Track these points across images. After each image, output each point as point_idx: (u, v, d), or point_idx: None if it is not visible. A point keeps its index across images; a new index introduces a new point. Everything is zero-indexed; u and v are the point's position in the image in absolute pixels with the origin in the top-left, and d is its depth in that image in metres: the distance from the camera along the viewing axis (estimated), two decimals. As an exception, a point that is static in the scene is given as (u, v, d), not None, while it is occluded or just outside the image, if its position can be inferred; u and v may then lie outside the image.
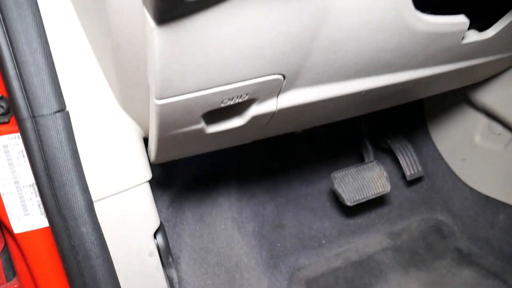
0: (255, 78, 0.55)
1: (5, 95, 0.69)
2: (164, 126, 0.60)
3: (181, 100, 0.53)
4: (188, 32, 0.44)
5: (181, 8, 0.40)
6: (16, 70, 0.59)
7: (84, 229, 0.67)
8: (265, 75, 0.56)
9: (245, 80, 0.55)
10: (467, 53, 0.76)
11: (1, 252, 0.93)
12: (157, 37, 0.42)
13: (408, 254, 1.21)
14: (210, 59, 0.48)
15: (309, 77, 0.62)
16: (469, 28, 0.70)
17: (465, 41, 0.70)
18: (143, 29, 0.46)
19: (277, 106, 0.65)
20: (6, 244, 0.94)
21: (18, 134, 0.72)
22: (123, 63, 0.54)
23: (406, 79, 0.75)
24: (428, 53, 0.69)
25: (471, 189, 1.22)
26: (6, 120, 0.70)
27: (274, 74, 0.57)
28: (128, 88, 0.60)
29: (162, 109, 0.54)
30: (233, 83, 0.54)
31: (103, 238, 0.69)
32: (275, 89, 0.61)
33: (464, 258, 1.19)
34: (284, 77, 0.59)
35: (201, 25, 0.44)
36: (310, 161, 1.34)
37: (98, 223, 0.68)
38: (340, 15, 0.52)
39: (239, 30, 0.47)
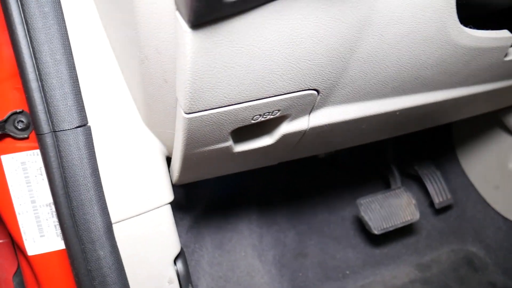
0: (289, 93, 0.52)
1: (25, 109, 0.67)
2: (191, 143, 0.56)
3: (210, 115, 0.50)
4: (223, 38, 0.41)
5: (218, 10, 0.37)
6: (38, 82, 0.57)
7: (102, 253, 0.63)
8: (300, 90, 0.52)
9: (278, 95, 0.51)
10: (508, 72, 0.72)
11: (13, 275, 0.89)
12: (190, 43, 0.39)
13: (439, 287, 1.14)
14: (244, 70, 0.45)
15: (344, 93, 0.59)
16: (512, 45, 0.66)
17: (508, 58, 0.66)
18: (175, 36, 0.43)
19: (308, 124, 0.61)
20: (19, 267, 0.90)
21: (36, 151, 0.69)
22: (150, 76, 0.52)
23: (444, 99, 0.71)
24: (469, 70, 0.65)
25: (504, 218, 1.16)
26: (26, 135, 0.68)
27: (308, 89, 0.53)
28: (154, 102, 0.57)
29: (189, 124, 0.51)
30: (266, 98, 0.50)
31: (121, 263, 0.65)
32: (308, 106, 0.58)
33: (499, 293, 1.11)
34: (318, 92, 0.55)
35: (237, 30, 0.41)
36: (333, 186, 1.29)
37: (117, 247, 0.64)
38: (383, 25, 0.49)
39: (277, 38, 0.43)
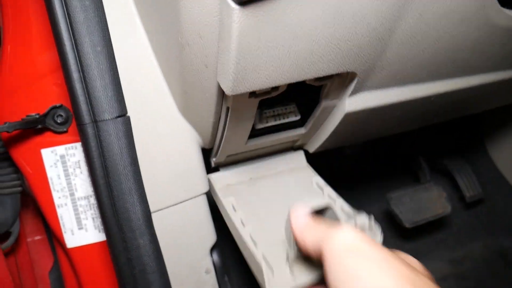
0: (328, 73, 0.52)
1: (64, 103, 0.69)
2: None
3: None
4: (268, 16, 0.41)
5: (267, -14, 0.37)
6: (80, 73, 0.58)
7: (142, 241, 0.64)
8: (339, 71, 0.52)
9: (317, 76, 0.52)
10: (545, 55, 0.71)
11: (49, 272, 0.91)
12: (237, 20, 0.40)
13: (473, 282, 1.12)
14: (286, 50, 0.45)
15: (380, 77, 0.59)
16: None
17: (546, 40, 0.65)
18: (218, 18, 0.44)
19: (346, 108, 0.61)
20: (54, 263, 0.91)
21: (75, 145, 0.71)
22: (191, 62, 0.52)
23: (479, 83, 0.70)
24: (507, 53, 0.64)
25: (538, 211, 1.13)
26: (65, 129, 0.69)
27: (348, 70, 0.53)
28: (192, 90, 0.57)
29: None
30: (306, 78, 0.51)
31: (160, 252, 0.65)
32: (346, 89, 0.58)
33: (535, 287, 1.08)
34: (356, 75, 0.56)
35: (283, 9, 0.41)
36: (361, 182, 1.28)
37: (156, 236, 0.65)
38: (423, 3, 0.49)
39: (320, 17, 0.44)
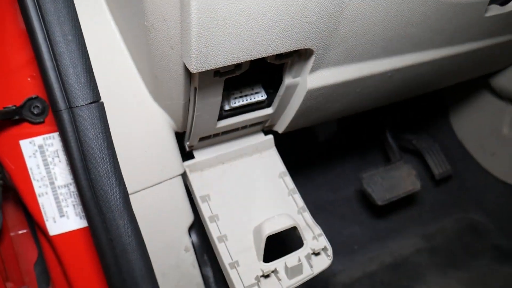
0: (286, 50, 0.56)
1: (39, 95, 0.71)
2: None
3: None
4: (223, -5, 0.45)
5: (218, -36, 0.41)
6: (53, 62, 0.61)
7: (121, 222, 0.67)
8: (296, 47, 0.56)
9: (275, 53, 0.56)
10: (490, 29, 0.76)
11: (34, 264, 0.93)
12: (194, 2, 0.44)
13: (445, 254, 1.17)
14: (243, 27, 0.49)
15: (337, 54, 0.63)
16: (492, 3, 0.71)
17: (488, 14, 0.71)
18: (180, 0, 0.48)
19: (307, 85, 0.66)
20: (39, 256, 0.93)
21: (52, 135, 0.74)
22: (157, 44, 0.56)
23: (432, 58, 0.75)
24: (453, 27, 0.69)
25: (504, 183, 1.19)
26: (42, 120, 0.72)
27: (304, 46, 0.57)
28: (161, 72, 0.61)
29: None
30: (266, 55, 0.55)
31: (140, 231, 0.68)
32: (305, 65, 0.62)
33: (504, 255, 1.14)
34: (313, 52, 0.60)
35: (235, -14, 0.45)
36: (334, 167, 1.32)
37: (134, 216, 0.68)
38: (367, -20, 0.53)
39: (271, -6, 0.48)
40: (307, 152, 1.32)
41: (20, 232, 0.92)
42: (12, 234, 0.91)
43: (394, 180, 1.13)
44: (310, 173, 1.31)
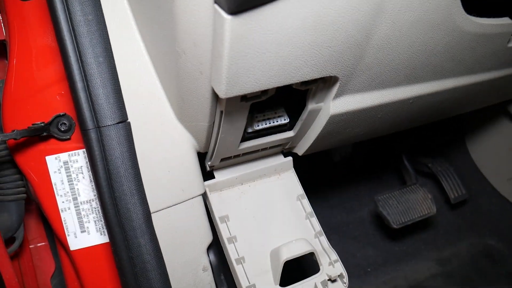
0: (313, 77, 0.57)
1: (67, 112, 0.73)
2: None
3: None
4: (256, 25, 0.46)
5: (254, -2, 0.43)
6: (83, 83, 0.63)
7: (142, 240, 0.68)
8: (322, 75, 0.57)
9: (302, 80, 0.57)
10: (512, 59, 0.77)
11: (51, 277, 0.94)
12: (229, 29, 0.45)
13: (460, 280, 1.16)
14: (273, 55, 0.51)
15: (361, 81, 0.64)
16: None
17: (511, 44, 0.71)
18: (212, 28, 0.49)
19: (330, 111, 0.66)
20: (56, 269, 0.94)
21: (77, 151, 0.75)
22: (187, 69, 0.57)
23: (453, 86, 0.75)
24: (475, 56, 0.70)
25: (520, 210, 1.19)
26: (68, 137, 0.74)
27: (330, 74, 0.58)
28: (188, 96, 0.62)
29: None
30: (293, 82, 0.56)
31: (160, 250, 0.69)
32: (329, 93, 0.63)
33: (520, 283, 1.13)
34: (338, 79, 0.61)
35: (268, 18, 0.46)
36: (350, 188, 1.32)
37: (155, 235, 0.69)
38: (395, 12, 0.54)
39: (302, 25, 0.49)
40: (322, 172, 1.32)
41: (39, 244, 0.93)
42: (31, 246, 0.93)
43: (410, 203, 1.13)
44: (324, 193, 1.31)
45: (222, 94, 0.52)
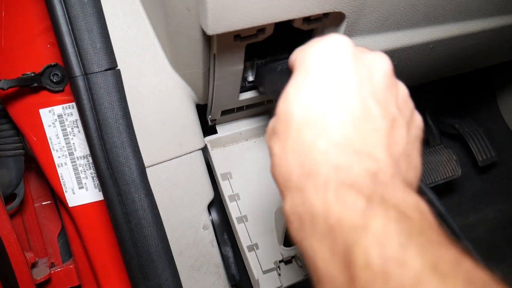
0: (314, 12, 0.50)
1: (59, 63, 0.69)
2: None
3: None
4: None
5: None
6: (68, 26, 0.58)
7: (137, 195, 0.64)
8: (325, 10, 0.51)
9: (302, 16, 0.50)
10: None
11: (58, 235, 0.93)
12: None
13: (486, 247, 1.09)
14: (264, -17, 0.44)
15: (372, 19, 0.57)
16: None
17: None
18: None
19: (337, 55, 0.60)
20: (62, 228, 0.93)
21: (72, 104, 0.72)
22: (173, 6, 0.52)
23: (481, 29, 0.67)
24: (508, -8, 0.61)
25: (554, 174, 1.09)
26: (61, 88, 0.70)
27: (334, 9, 0.52)
28: (178, 37, 0.57)
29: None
30: (290, 17, 0.49)
31: (156, 206, 0.66)
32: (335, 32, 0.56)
33: (551, 251, 1.05)
34: (344, 16, 0.54)
35: None
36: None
37: (151, 190, 0.65)
38: None
39: None
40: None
41: (44, 203, 0.92)
42: (36, 205, 0.91)
43: (433, 165, 1.06)
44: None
45: (209, 30, 0.47)
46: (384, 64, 0.39)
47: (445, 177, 1.05)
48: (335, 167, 0.33)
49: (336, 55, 0.37)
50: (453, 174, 1.06)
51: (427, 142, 1.18)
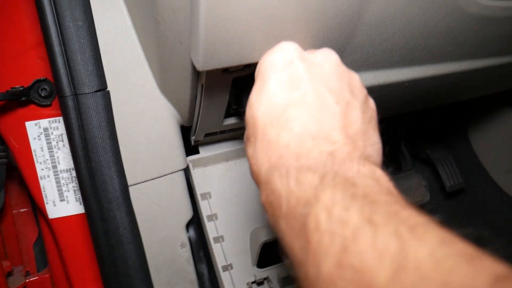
0: (299, 54, 0.54)
1: (48, 77, 0.71)
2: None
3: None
4: (235, -7, 0.43)
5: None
6: (61, 47, 0.60)
7: (118, 213, 0.66)
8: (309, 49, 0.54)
9: (288, 56, 0.53)
10: (518, 45, 0.72)
11: (33, 243, 0.93)
12: (204, -2, 0.42)
13: (449, 269, 1.14)
14: (255, 28, 0.47)
15: (353, 60, 0.61)
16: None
17: (518, 29, 0.67)
18: (189, -6, 0.46)
19: (318, 90, 0.63)
20: (39, 236, 0.94)
21: (58, 118, 0.73)
22: (166, 37, 0.54)
23: (453, 71, 0.72)
24: (479, 41, 0.66)
25: (517, 202, 1.16)
26: (49, 103, 0.71)
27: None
28: (169, 66, 0.59)
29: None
30: (276, 57, 0.52)
31: (136, 224, 0.68)
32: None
33: (510, 276, 1.11)
34: (327, 57, 0.57)
35: (248, -14, 0.43)
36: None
37: (132, 208, 0.67)
38: (390, -13, 0.50)
39: (287, -4, 0.45)
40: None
41: (22, 210, 0.92)
42: (14, 211, 0.92)
43: (402, 189, 1.10)
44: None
45: (199, 66, 0.49)
46: (331, 57, 0.45)
47: (414, 202, 1.10)
48: (296, 156, 0.38)
49: (286, 59, 0.44)
50: (422, 199, 1.11)
51: (400, 167, 1.24)
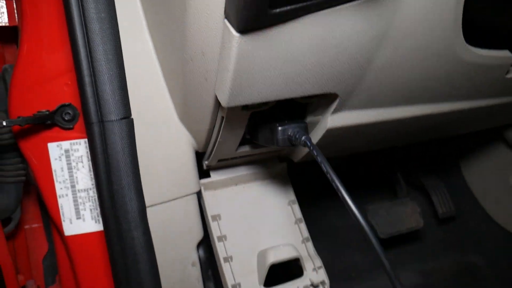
0: (313, 93, 0.59)
1: (72, 102, 0.75)
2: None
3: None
4: (263, 44, 0.48)
5: (264, 20, 0.44)
6: (91, 78, 0.64)
7: (136, 233, 0.70)
8: (323, 92, 0.59)
9: (303, 95, 0.59)
10: (509, 88, 0.79)
11: (43, 258, 0.96)
12: (236, 45, 0.47)
13: (440, 293, 1.19)
14: (277, 72, 0.52)
15: (360, 99, 0.66)
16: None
17: (509, 75, 0.73)
18: (221, 39, 0.51)
19: (327, 125, 0.69)
20: (49, 251, 0.97)
21: (79, 141, 0.77)
22: (193, 75, 0.59)
23: (449, 110, 0.77)
24: (473, 84, 0.72)
25: (505, 231, 1.21)
26: (71, 126, 0.75)
27: (331, 91, 0.60)
28: (192, 99, 0.64)
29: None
30: (294, 96, 0.58)
31: (152, 244, 0.71)
32: (328, 108, 0.65)
33: (498, 302, 1.16)
34: (337, 96, 0.63)
35: (275, 38, 0.48)
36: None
37: (149, 229, 0.71)
38: (398, 39, 0.56)
39: (308, 46, 0.51)
40: (316, 177, 1.34)
41: (34, 226, 0.96)
42: (26, 227, 0.95)
43: (398, 215, 1.16)
44: (316, 197, 1.33)
45: (225, 104, 0.54)
46: None
47: (408, 227, 1.15)
48: None
49: None
50: (416, 225, 1.16)
51: (395, 193, 1.29)
